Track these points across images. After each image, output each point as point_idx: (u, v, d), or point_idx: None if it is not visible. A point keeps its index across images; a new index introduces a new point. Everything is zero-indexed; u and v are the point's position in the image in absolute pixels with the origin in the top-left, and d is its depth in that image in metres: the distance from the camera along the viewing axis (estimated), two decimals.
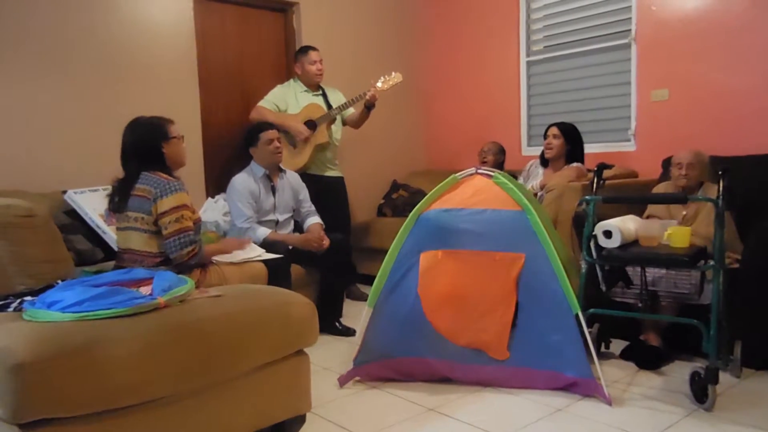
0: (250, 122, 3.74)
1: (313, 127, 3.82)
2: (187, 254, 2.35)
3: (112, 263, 2.57)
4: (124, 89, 3.55)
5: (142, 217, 2.34)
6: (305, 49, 3.94)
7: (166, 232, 2.32)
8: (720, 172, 2.37)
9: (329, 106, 3.91)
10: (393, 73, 3.90)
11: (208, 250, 2.52)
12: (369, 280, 3.07)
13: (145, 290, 1.82)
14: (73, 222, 2.97)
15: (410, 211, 2.67)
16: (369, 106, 3.89)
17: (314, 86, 3.96)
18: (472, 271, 2.47)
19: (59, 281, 2.03)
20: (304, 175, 3.75)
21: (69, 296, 1.65)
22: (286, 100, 3.89)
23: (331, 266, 3.33)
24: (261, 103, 3.86)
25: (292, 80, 4.00)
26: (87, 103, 3.42)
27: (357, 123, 4.05)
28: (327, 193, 3.90)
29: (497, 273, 2.43)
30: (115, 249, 2.56)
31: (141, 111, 2.50)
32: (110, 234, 2.95)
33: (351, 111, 4.03)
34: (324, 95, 3.97)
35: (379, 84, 3.85)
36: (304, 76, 3.94)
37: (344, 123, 4.08)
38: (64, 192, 3.06)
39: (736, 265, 2.61)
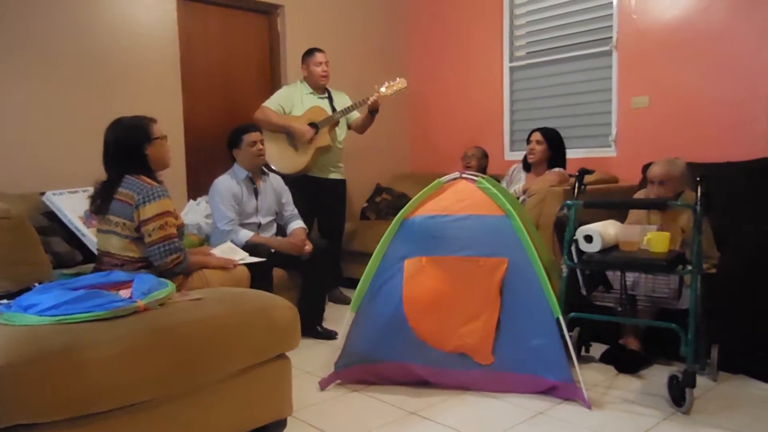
0: (254, 122, 3.65)
1: (316, 130, 3.79)
2: (171, 262, 2.32)
3: (91, 266, 2.54)
4: (106, 90, 3.51)
5: (124, 223, 2.31)
6: (311, 51, 3.92)
7: (149, 240, 2.29)
8: (698, 179, 2.41)
9: (334, 110, 3.88)
10: (397, 79, 3.85)
11: (193, 263, 2.45)
12: (352, 283, 3.06)
13: (124, 293, 1.80)
14: (52, 224, 2.93)
15: (394, 215, 2.67)
16: (372, 111, 3.85)
17: (320, 89, 3.93)
18: (456, 277, 2.48)
19: (36, 284, 2.00)
20: (305, 177, 3.73)
21: (46, 299, 1.63)
22: (291, 102, 3.86)
23: (313, 270, 3.32)
24: (266, 104, 3.82)
25: (298, 81, 3.98)
26: (67, 103, 3.38)
27: (361, 128, 4.01)
28: (327, 196, 3.90)
29: (481, 278, 2.44)
30: (95, 252, 2.52)
31: (122, 112, 2.46)
32: (89, 236, 2.91)
33: (356, 115, 4.00)
34: (330, 98, 3.95)
35: (382, 89, 3.81)
36: (309, 78, 3.91)
37: (349, 127, 4.05)
38: (43, 193, 3.01)
39: (713, 270, 2.65)
